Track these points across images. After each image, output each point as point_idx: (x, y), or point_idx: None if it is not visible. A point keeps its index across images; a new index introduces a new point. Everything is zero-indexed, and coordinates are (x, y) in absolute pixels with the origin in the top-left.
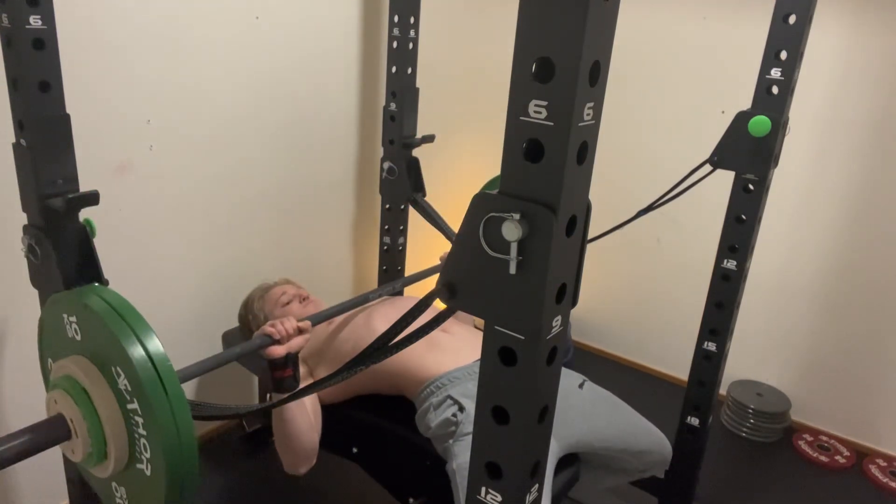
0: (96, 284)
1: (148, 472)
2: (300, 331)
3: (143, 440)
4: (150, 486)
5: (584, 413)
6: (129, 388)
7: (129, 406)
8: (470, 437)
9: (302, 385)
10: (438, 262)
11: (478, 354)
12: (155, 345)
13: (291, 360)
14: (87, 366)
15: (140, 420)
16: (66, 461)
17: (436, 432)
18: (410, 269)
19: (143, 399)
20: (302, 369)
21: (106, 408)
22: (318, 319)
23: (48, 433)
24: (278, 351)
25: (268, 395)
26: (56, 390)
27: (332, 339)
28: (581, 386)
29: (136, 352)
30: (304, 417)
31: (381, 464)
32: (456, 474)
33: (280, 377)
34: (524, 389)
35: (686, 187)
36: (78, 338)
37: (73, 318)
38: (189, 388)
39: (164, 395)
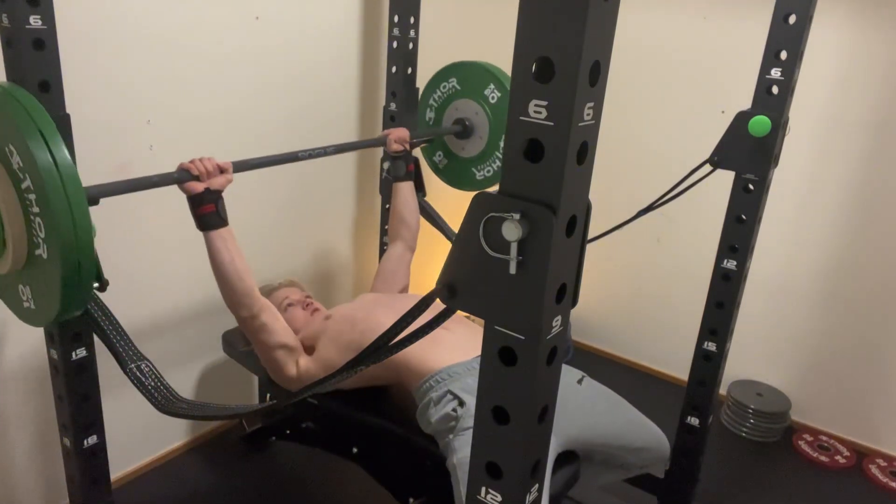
0: None
1: (45, 256)
2: (221, 170)
3: (38, 220)
4: (50, 273)
5: (583, 409)
6: (21, 165)
7: (23, 185)
8: (470, 432)
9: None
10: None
11: (478, 350)
12: (42, 116)
13: (211, 196)
14: None
15: (33, 197)
16: (66, 461)
17: (436, 427)
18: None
19: (33, 173)
20: (303, 356)
21: (1, 190)
22: (241, 167)
23: None
24: (196, 187)
25: (267, 395)
26: None
27: (333, 330)
28: (580, 382)
29: (26, 125)
30: (237, 258)
31: (381, 464)
32: (456, 469)
33: (201, 213)
34: (524, 389)
35: (686, 187)
36: None
37: None
38: (189, 389)
39: (55, 168)
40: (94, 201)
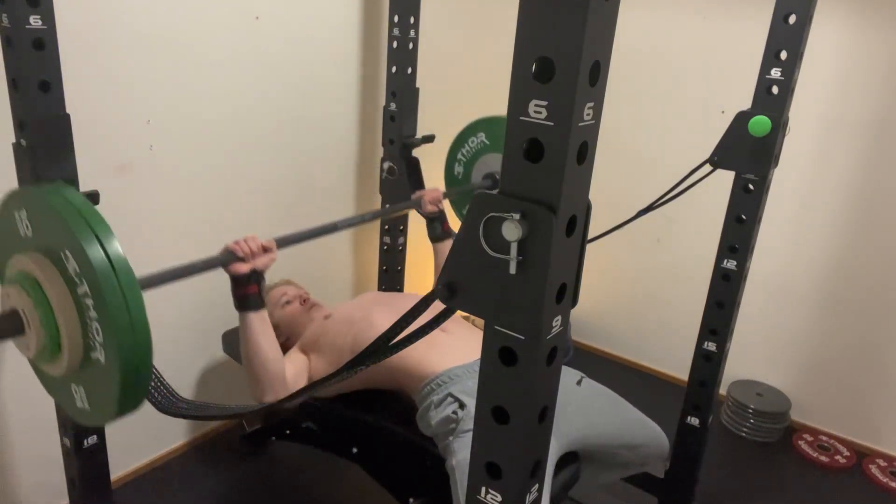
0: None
1: (103, 360)
2: (265, 249)
3: (94, 324)
4: (106, 377)
5: (582, 409)
6: (78, 270)
7: (80, 289)
8: (470, 434)
9: (300, 377)
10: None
11: (478, 353)
12: (101, 226)
13: (255, 277)
14: (37, 257)
15: (91, 302)
16: (66, 461)
17: (436, 430)
18: (410, 268)
19: (91, 279)
20: (301, 358)
21: (57, 294)
22: (284, 242)
23: (1, 326)
24: (242, 268)
25: None
26: (8, 286)
27: (332, 332)
28: (579, 383)
29: (82, 230)
30: (269, 343)
31: (381, 464)
32: (455, 471)
33: (243, 294)
34: (524, 389)
35: (686, 187)
36: (30, 234)
37: (24, 214)
38: (189, 389)
39: (112, 272)
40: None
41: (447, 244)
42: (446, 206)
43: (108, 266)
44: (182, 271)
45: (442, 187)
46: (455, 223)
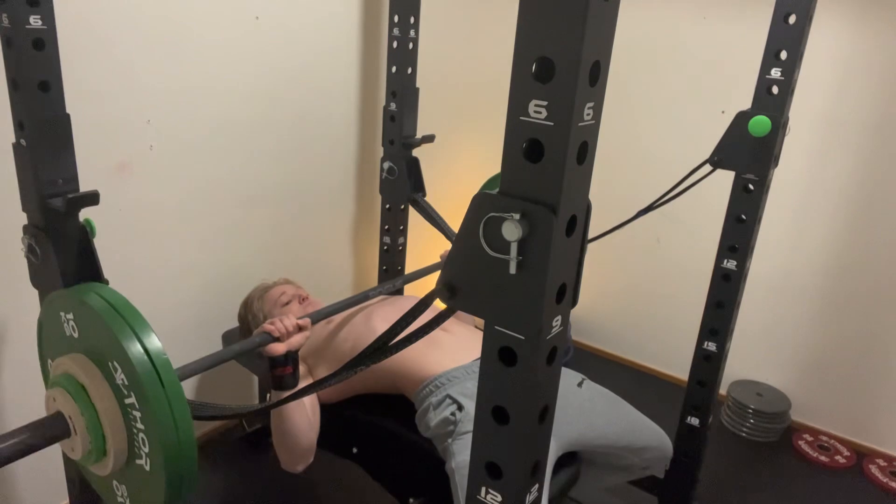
0: (94, 283)
1: (147, 468)
2: (300, 328)
3: (141, 435)
4: (150, 483)
5: (583, 411)
6: (127, 383)
7: (127, 401)
8: (468, 435)
9: (301, 384)
10: (439, 261)
11: (477, 354)
12: (151, 339)
13: (291, 357)
14: (84, 363)
15: (138, 414)
16: (67, 461)
17: (435, 432)
18: (410, 269)
19: (140, 393)
20: (301, 368)
21: (104, 403)
22: (317, 317)
23: (47, 431)
24: (278, 349)
25: (268, 395)
26: (54, 388)
27: (332, 338)
28: (580, 384)
29: (133, 346)
30: (302, 416)
31: (381, 464)
32: (455, 473)
33: (280, 375)
34: (524, 389)
35: (686, 187)
36: (76, 335)
37: (71, 316)
38: (189, 388)
39: (161, 389)
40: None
41: None
42: None
43: (158, 382)
44: (221, 356)
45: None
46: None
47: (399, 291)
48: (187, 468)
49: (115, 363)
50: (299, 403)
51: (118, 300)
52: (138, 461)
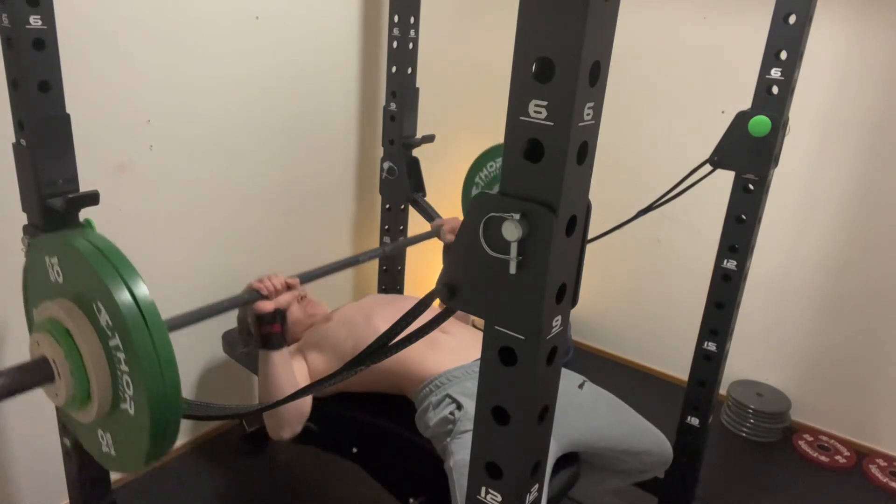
0: (80, 227)
1: (132, 412)
2: (288, 287)
3: (125, 377)
4: (134, 427)
5: (584, 413)
6: (111, 324)
7: (112, 342)
8: (467, 434)
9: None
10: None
11: (477, 354)
12: (135, 280)
13: (279, 316)
14: (69, 307)
15: (122, 356)
16: (66, 461)
17: (434, 431)
18: (410, 269)
19: (124, 333)
20: (300, 362)
21: (88, 345)
22: (306, 278)
23: (31, 374)
24: (266, 306)
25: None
26: (38, 333)
27: (333, 335)
28: (581, 386)
29: (117, 286)
30: (289, 382)
31: (381, 464)
32: (453, 472)
33: (268, 332)
34: (524, 389)
35: (686, 187)
36: (61, 280)
37: (55, 260)
38: (189, 389)
39: (146, 329)
40: None
41: None
42: None
43: (142, 322)
44: (208, 311)
45: (458, 211)
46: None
47: (399, 290)
48: (171, 410)
49: (99, 304)
50: (287, 369)
51: (104, 243)
52: (122, 405)
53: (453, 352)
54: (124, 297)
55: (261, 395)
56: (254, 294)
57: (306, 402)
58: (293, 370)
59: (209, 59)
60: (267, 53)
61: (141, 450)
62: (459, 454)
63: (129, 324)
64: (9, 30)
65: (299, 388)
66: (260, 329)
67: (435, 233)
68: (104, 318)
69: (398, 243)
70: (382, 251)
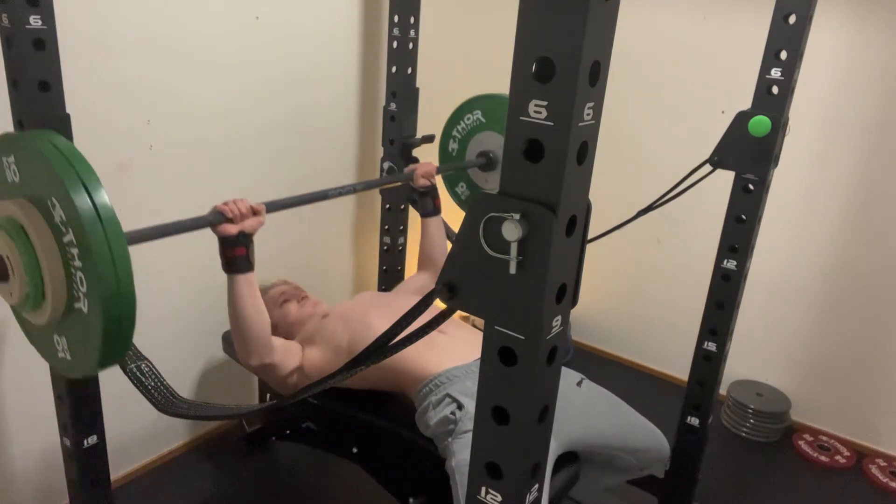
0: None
1: (86, 310)
2: (254, 212)
3: (79, 274)
4: (88, 327)
5: (582, 411)
6: (65, 219)
7: (65, 238)
8: (468, 434)
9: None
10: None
11: (477, 353)
12: (89, 175)
13: (243, 240)
14: (24, 205)
15: (76, 251)
16: (66, 461)
17: (435, 430)
18: (410, 268)
19: (77, 227)
20: (295, 344)
21: (42, 241)
22: (273, 207)
23: None
24: (230, 230)
25: (267, 395)
26: None
27: (329, 329)
28: (579, 384)
29: (70, 179)
30: (255, 306)
31: (381, 464)
32: (455, 472)
33: (231, 256)
34: (524, 389)
35: (686, 187)
36: (17, 180)
37: (12, 160)
38: (189, 388)
39: (98, 222)
40: None
41: (436, 220)
42: (440, 187)
43: (95, 215)
44: (169, 228)
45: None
46: (448, 204)
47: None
48: (125, 307)
49: (54, 200)
50: (253, 291)
51: (59, 142)
52: (76, 304)
53: (453, 351)
54: (79, 192)
55: (230, 321)
56: (218, 216)
57: (266, 329)
58: (259, 295)
59: (209, 58)
60: (267, 53)
61: (95, 350)
62: (461, 454)
63: (83, 218)
64: (9, 30)
65: (265, 312)
66: (224, 252)
67: (408, 177)
68: (58, 213)
69: (369, 182)
70: (353, 188)
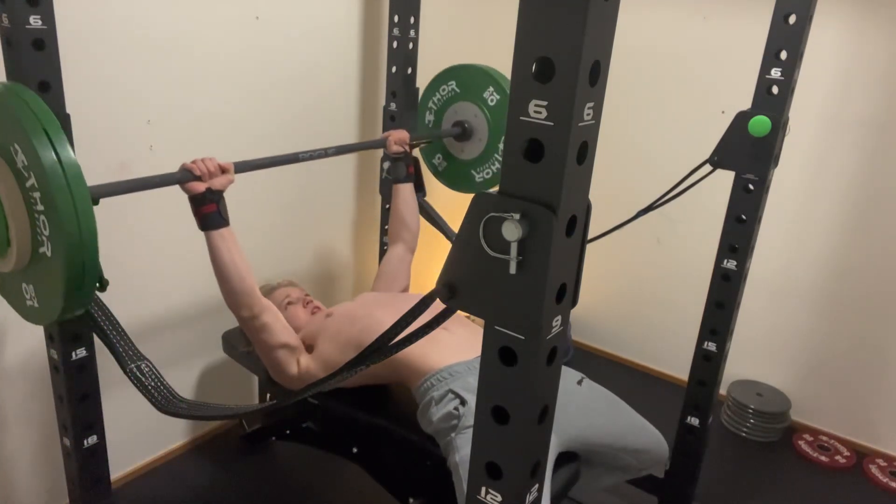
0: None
1: (49, 254)
2: (223, 171)
3: (42, 217)
4: (54, 272)
5: (582, 410)
6: (26, 163)
7: (28, 183)
8: (472, 430)
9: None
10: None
11: (479, 350)
12: (51, 124)
13: (212, 196)
14: None
15: (38, 195)
16: (66, 461)
17: (437, 427)
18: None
19: (38, 171)
20: (304, 357)
21: (5, 187)
22: (243, 167)
23: None
24: (198, 187)
25: (267, 395)
26: None
27: (335, 326)
28: (580, 383)
29: (32, 127)
30: (238, 257)
31: (381, 464)
32: (458, 467)
33: (203, 213)
34: (524, 389)
35: (686, 187)
36: None
37: None
38: (189, 389)
39: (58, 163)
40: (94, 202)
41: (408, 188)
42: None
43: (56, 160)
44: (138, 184)
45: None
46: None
47: None
48: (88, 250)
49: (16, 146)
50: (231, 243)
51: (22, 91)
52: (41, 249)
53: (455, 347)
54: (39, 136)
55: (217, 278)
56: (186, 174)
57: (250, 280)
58: (239, 248)
59: (209, 59)
60: (267, 53)
61: (60, 294)
62: (464, 450)
63: (44, 162)
64: (9, 30)
65: (247, 263)
66: (196, 211)
67: (381, 143)
68: (20, 158)
69: (342, 147)
70: (325, 152)
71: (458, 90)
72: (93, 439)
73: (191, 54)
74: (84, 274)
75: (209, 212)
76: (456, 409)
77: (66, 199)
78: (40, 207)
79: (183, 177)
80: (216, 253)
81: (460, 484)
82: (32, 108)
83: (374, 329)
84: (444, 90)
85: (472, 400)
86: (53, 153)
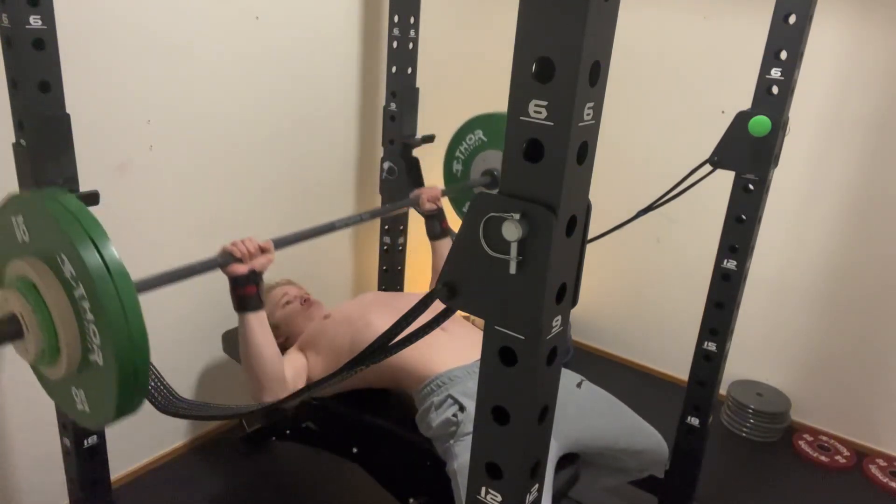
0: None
1: (101, 362)
2: (262, 251)
3: (92, 326)
4: (104, 379)
5: (582, 412)
6: (74, 273)
7: (76, 293)
8: (470, 437)
9: (300, 384)
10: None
11: (479, 353)
12: (93, 226)
13: (254, 278)
14: (34, 262)
15: (87, 305)
16: (66, 461)
17: (437, 432)
18: (410, 268)
19: (86, 280)
20: (300, 358)
21: (54, 296)
22: (281, 243)
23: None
24: (240, 269)
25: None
26: (6, 290)
27: (330, 332)
28: (579, 385)
29: (75, 233)
30: (268, 342)
31: (381, 464)
32: (457, 475)
33: (242, 295)
34: (524, 389)
35: (686, 187)
36: (27, 238)
37: (20, 219)
38: (189, 389)
39: (107, 273)
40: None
41: (446, 242)
42: (446, 204)
43: (104, 268)
44: (179, 273)
45: (441, 185)
46: (454, 221)
47: (399, 290)
48: (139, 357)
49: (63, 255)
50: (265, 329)
51: (65, 199)
52: (91, 356)
53: (454, 351)
54: (85, 244)
55: (242, 359)
56: (227, 257)
57: (279, 366)
58: (271, 332)
59: (209, 58)
60: (267, 53)
61: (112, 401)
62: (463, 457)
63: (92, 271)
64: (9, 30)
65: (275, 347)
66: (235, 291)
67: (414, 202)
68: (68, 268)
69: (374, 210)
70: (360, 218)
71: (485, 138)
72: (93, 439)
73: (191, 54)
74: (136, 379)
75: (250, 294)
76: (455, 415)
77: (117, 308)
78: (90, 317)
79: (224, 260)
80: (251, 335)
81: (458, 491)
82: (78, 217)
83: (368, 337)
84: (470, 139)
85: (470, 406)
86: (103, 264)
